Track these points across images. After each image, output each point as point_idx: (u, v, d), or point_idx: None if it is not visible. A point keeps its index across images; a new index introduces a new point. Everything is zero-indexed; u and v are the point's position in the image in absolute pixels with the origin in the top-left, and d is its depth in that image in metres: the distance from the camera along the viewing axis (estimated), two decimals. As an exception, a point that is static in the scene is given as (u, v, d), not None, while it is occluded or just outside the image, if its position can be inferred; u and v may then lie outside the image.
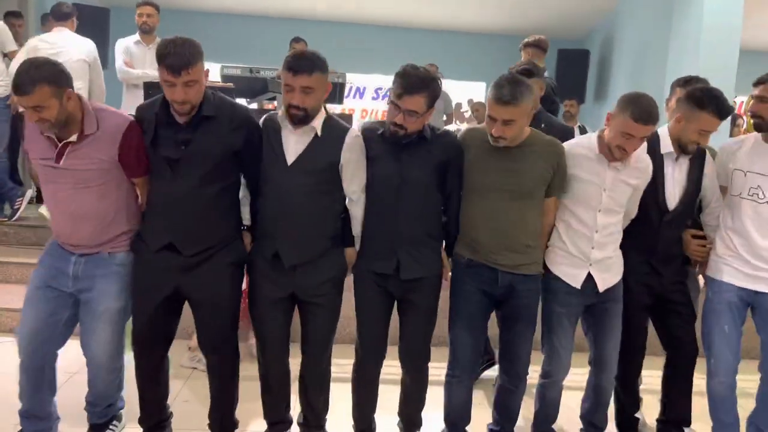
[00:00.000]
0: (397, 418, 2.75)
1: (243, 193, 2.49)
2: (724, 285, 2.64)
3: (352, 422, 2.70)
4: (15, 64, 4.75)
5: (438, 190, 2.47)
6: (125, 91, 5.10)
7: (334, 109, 4.75)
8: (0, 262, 4.40)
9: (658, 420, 2.90)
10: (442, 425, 2.71)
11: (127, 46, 5.07)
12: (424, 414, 2.70)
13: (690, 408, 2.83)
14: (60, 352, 2.47)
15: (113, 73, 5.21)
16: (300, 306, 2.51)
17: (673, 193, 2.63)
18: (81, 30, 6.37)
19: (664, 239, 2.65)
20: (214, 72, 4.25)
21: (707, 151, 2.72)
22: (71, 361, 2.65)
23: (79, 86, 4.88)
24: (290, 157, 2.35)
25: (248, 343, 3.40)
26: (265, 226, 2.43)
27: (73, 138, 2.24)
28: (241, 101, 4.77)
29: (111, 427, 2.64)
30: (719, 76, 5.33)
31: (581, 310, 2.61)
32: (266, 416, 2.66)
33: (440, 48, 8.45)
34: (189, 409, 2.92)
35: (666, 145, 2.62)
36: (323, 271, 2.44)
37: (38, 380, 2.41)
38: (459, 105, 8.46)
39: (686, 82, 2.91)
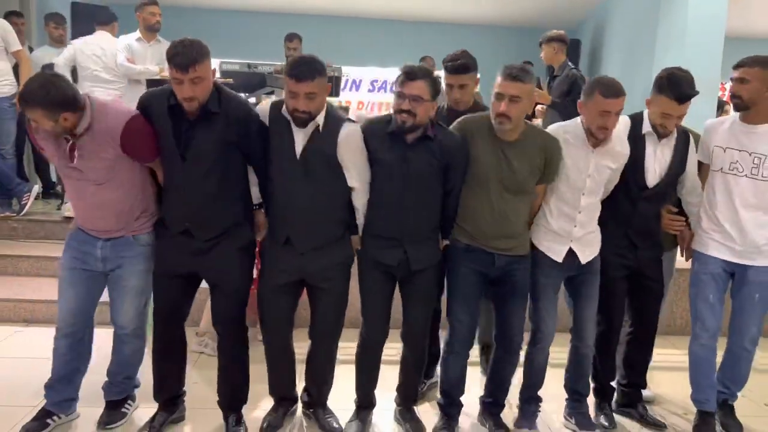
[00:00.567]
0: (395, 394, 2.92)
1: (251, 175, 2.61)
2: (710, 259, 2.83)
3: (353, 398, 2.85)
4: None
5: (440, 186, 2.58)
6: (127, 86, 5.17)
7: (332, 101, 4.86)
8: (10, 255, 4.54)
9: (618, 383, 3.08)
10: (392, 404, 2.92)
11: (128, 44, 5.16)
12: (376, 392, 2.86)
13: (645, 374, 3.07)
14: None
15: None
16: (309, 291, 2.66)
17: (654, 172, 2.78)
18: (80, 28, 6.53)
19: (641, 213, 2.81)
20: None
21: (691, 136, 2.87)
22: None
23: (121, 86, 5.18)
24: (298, 147, 2.47)
25: (257, 328, 3.53)
26: (277, 213, 2.56)
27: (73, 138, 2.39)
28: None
29: (126, 405, 2.80)
30: (705, 63, 5.45)
31: (561, 282, 2.80)
32: (272, 394, 2.82)
33: (435, 40, 8.50)
34: (198, 390, 3.07)
35: (646, 126, 2.78)
36: (332, 257, 2.57)
37: (78, 345, 2.64)
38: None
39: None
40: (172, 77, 2.32)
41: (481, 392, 2.93)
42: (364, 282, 2.67)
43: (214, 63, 2.51)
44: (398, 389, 2.90)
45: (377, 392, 2.86)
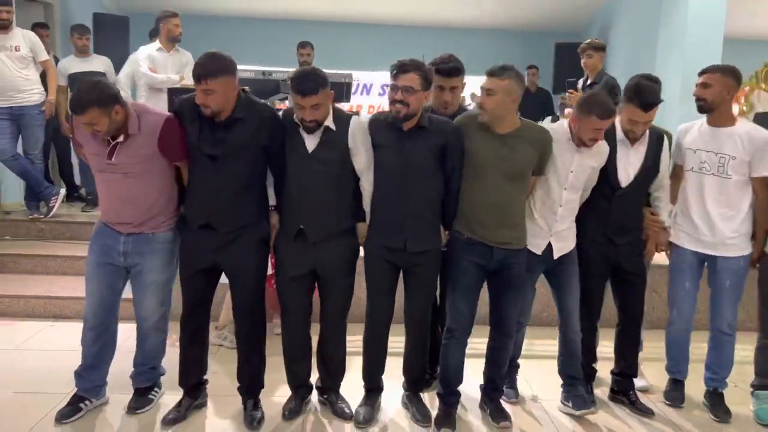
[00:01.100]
0: (402, 380, 3.10)
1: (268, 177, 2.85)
2: (685, 251, 3.13)
3: (362, 384, 3.04)
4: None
5: (440, 170, 2.79)
6: (146, 95, 5.36)
7: (342, 107, 5.05)
8: (39, 255, 4.79)
9: (612, 372, 3.29)
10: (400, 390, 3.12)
11: (149, 54, 5.37)
12: (385, 382, 3.07)
13: (636, 362, 3.26)
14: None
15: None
16: (319, 284, 2.90)
17: (627, 173, 3.00)
18: (102, 38, 6.76)
19: (616, 211, 3.02)
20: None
21: (666, 138, 3.09)
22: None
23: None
24: (310, 146, 2.72)
25: (273, 323, 3.76)
26: (290, 207, 2.79)
27: (121, 138, 2.63)
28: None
29: (153, 392, 3.03)
30: (705, 63, 5.50)
31: (538, 275, 3.07)
32: (290, 382, 3.03)
33: (442, 44, 8.56)
34: (218, 379, 3.28)
35: (619, 132, 3.00)
36: (339, 251, 2.81)
37: (104, 335, 2.86)
38: (462, 99, 8.67)
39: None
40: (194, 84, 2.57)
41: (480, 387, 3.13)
42: (369, 270, 2.88)
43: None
44: (404, 372, 3.07)
45: (386, 382, 3.05)
